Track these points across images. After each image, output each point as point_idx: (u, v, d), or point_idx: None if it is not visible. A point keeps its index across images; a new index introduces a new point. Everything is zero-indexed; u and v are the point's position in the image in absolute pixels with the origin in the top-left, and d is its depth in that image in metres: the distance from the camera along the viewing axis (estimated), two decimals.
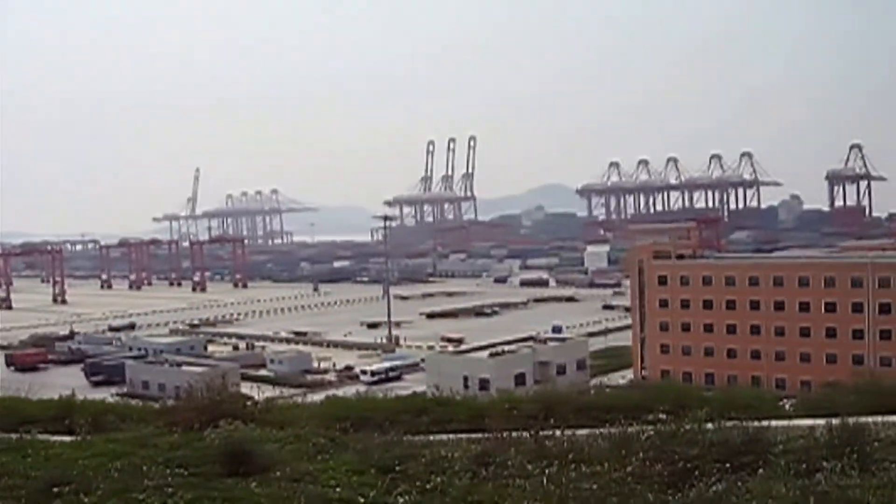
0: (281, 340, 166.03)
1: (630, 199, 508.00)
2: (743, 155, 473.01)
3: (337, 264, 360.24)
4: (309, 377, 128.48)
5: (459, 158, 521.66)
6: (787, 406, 19.66)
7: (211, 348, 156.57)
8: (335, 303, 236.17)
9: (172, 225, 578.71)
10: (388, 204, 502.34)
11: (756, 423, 13.91)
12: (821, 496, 10.56)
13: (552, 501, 11.05)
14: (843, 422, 13.73)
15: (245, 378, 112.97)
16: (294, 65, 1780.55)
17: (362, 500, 11.86)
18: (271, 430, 16.00)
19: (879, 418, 14.86)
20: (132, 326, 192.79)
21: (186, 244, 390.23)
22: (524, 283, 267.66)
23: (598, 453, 13.20)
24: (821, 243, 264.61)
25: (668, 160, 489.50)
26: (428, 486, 12.32)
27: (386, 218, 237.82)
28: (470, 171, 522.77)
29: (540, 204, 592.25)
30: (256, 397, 21.05)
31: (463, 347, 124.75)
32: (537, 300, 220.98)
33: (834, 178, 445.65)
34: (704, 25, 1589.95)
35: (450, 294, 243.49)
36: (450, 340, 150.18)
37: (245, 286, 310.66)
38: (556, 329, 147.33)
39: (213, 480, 12.95)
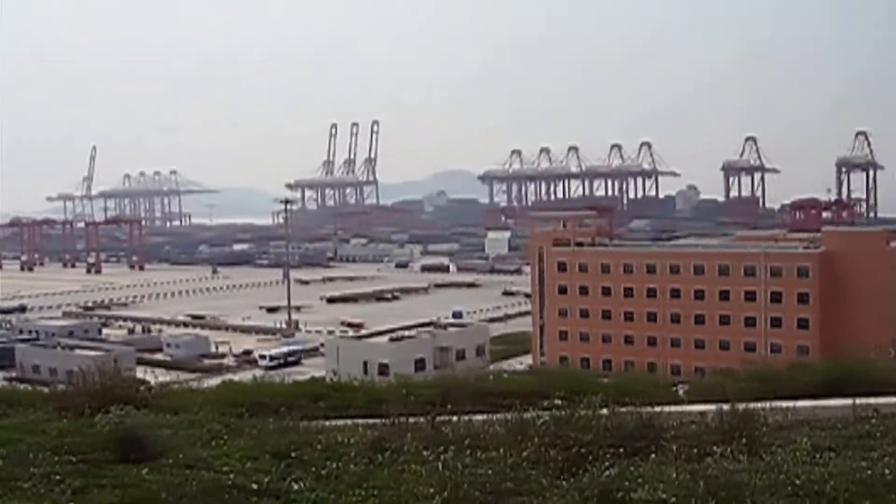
0: (178, 324, 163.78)
1: (531, 187, 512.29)
2: (642, 145, 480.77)
3: (237, 247, 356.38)
4: (206, 361, 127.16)
5: (362, 143, 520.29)
6: (680, 392, 20.02)
7: (105, 332, 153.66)
8: (234, 286, 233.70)
9: (67, 205, 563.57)
10: (290, 187, 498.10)
11: (650, 409, 14.12)
12: (710, 480, 10.77)
13: (447, 487, 11.06)
14: (734, 407, 14.03)
15: (141, 362, 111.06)
16: (193, 41, 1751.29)
17: (256, 487, 11.72)
18: (165, 415, 15.71)
19: (768, 404, 15.22)
20: (23, 309, 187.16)
21: (81, 225, 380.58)
22: (425, 269, 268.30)
23: (495, 439, 13.26)
24: (716, 232, 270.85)
25: (570, 149, 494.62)
26: (323, 472, 12.24)
27: (287, 201, 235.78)
28: (372, 155, 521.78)
29: (442, 189, 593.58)
30: (151, 382, 20.66)
31: (363, 332, 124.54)
32: (438, 285, 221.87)
33: (729, 170, 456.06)
34: (607, 22, 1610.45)
35: (351, 279, 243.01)
36: (350, 325, 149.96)
37: (142, 268, 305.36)
38: (457, 314, 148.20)
39: (104, 467, 12.66)
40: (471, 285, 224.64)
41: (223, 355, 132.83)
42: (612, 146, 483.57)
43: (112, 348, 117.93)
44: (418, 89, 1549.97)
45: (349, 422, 15.54)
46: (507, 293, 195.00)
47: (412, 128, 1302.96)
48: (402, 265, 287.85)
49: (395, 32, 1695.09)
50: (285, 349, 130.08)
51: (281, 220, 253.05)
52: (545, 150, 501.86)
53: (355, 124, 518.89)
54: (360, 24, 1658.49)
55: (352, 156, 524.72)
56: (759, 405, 14.81)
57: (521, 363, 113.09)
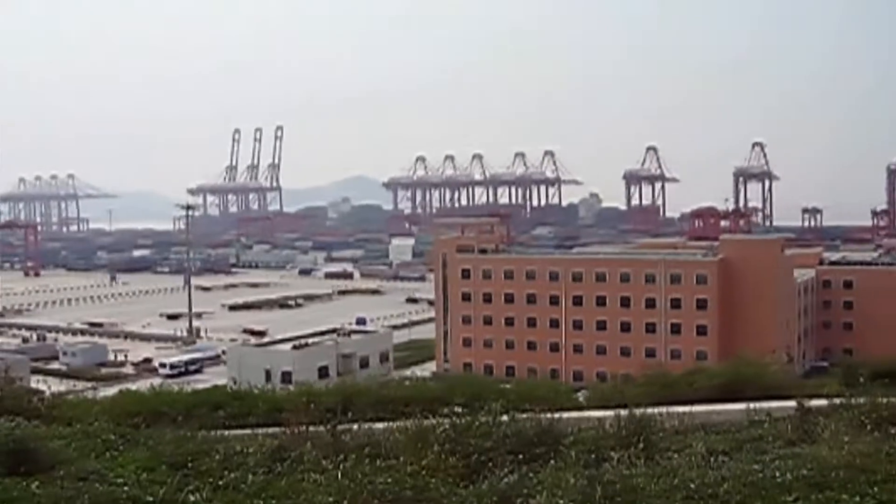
0: (75, 332, 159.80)
1: (436, 194, 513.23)
2: (546, 153, 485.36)
3: (136, 253, 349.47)
4: (104, 370, 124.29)
5: (266, 148, 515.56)
6: (580, 398, 20.25)
7: None
8: (134, 293, 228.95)
9: None
10: (192, 192, 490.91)
11: (549, 415, 14.22)
12: (607, 485, 10.89)
13: (346, 496, 10.99)
14: (631, 413, 14.22)
15: (35, 371, 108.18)
16: (98, 41, 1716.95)
17: (151, 499, 11.46)
18: (58, 426, 15.31)
19: (665, 409, 15.48)
20: None
21: None
22: (329, 275, 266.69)
23: (395, 447, 13.23)
24: (618, 240, 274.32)
25: (474, 156, 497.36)
26: (221, 483, 12.05)
27: (189, 207, 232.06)
28: (276, 161, 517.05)
29: (346, 196, 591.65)
30: (45, 392, 20.13)
31: (266, 340, 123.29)
32: (342, 292, 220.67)
33: (630, 179, 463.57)
34: (511, 24, 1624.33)
35: (253, 285, 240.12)
36: (253, 332, 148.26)
37: (37, 274, 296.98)
38: (360, 321, 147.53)
39: None
40: (375, 292, 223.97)
41: (122, 364, 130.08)
42: (516, 154, 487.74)
43: (4, 357, 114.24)
44: (324, 95, 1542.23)
45: (249, 431, 15.37)
46: (411, 300, 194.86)
47: (317, 134, 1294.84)
48: (305, 272, 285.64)
49: (303, 38, 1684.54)
50: (186, 357, 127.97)
51: (182, 226, 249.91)
52: (450, 158, 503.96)
53: (259, 129, 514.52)
54: (268, 28, 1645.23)
55: (255, 161, 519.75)
56: (656, 410, 15.05)
57: (425, 370, 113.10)
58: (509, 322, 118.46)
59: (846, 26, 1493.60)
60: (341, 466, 12.01)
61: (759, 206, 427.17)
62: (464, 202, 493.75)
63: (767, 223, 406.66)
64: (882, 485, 10.90)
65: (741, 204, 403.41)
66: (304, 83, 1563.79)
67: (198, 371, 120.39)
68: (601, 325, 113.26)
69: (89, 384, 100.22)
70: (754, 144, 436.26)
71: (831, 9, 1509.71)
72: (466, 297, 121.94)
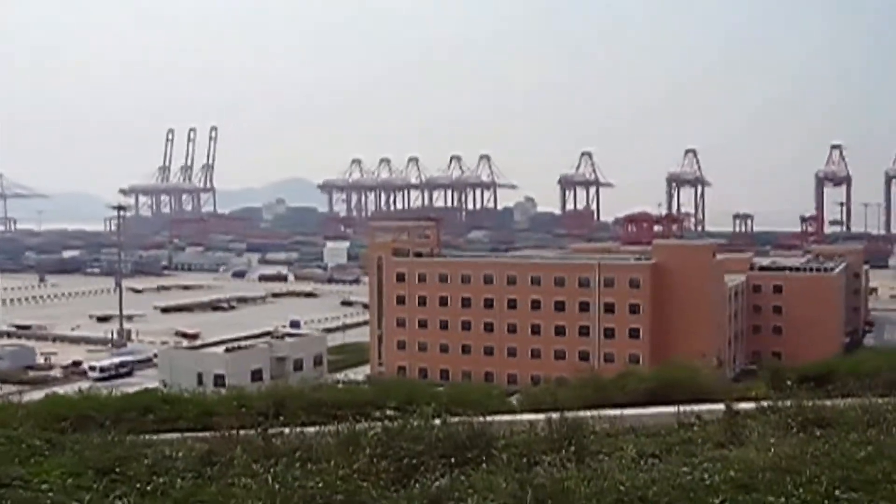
0: (1, 334, 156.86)
1: (371, 197, 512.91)
2: (482, 157, 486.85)
3: (66, 254, 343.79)
4: (32, 373, 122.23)
5: (200, 149, 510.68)
6: (513, 401, 20.32)
7: None
8: (63, 295, 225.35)
9: None
10: (124, 193, 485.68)
11: (482, 419, 14.23)
12: (538, 488, 10.93)
13: (276, 500, 10.90)
14: (563, 416, 14.29)
15: None
16: (22, 36, 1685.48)
17: None
18: None
19: (596, 412, 15.58)
20: None
21: None
22: (263, 278, 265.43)
23: (326, 451, 13.15)
24: (552, 244, 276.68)
25: (410, 160, 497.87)
26: (149, 488, 11.86)
27: (120, 207, 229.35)
28: (210, 162, 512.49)
29: (281, 198, 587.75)
30: None
31: (198, 342, 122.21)
32: (276, 295, 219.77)
33: (565, 183, 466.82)
34: (446, 30, 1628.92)
35: (186, 287, 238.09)
36: (185, 335, 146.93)
37: None
38: (294, 324, 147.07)
39: None
40: (309, 295, 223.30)
41: (50, 367, 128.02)
42: (452, 158, 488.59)
43: None
44: (258, 96, 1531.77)
45: (179, 435, 15.16)
46: (345, 303, 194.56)
47: (251, 135, 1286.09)
48: (239, 274, 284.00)
49: (237, 38, 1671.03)
50: (117, 360, 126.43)
51: (114, 227, 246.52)
52: (385, 161, 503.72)
53: (193, 130, 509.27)
54: (202, 27, 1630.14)
55: (189, 162, 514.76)
56: (588, 413, 15.14)
57: (359, 373, 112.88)
58: (444, 326, 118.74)
59: (773, 37, 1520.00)
60: (272, 471, 11.90)
61: (692, 211, 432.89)
62: (399, 205, 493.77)
63: (699, 228, 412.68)
64: (807, 486, 11.09)
65: (674, 209, 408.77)
66: (239, 83, 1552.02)
67: (128, 374, 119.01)
68: (535, 329, 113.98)
69: (15, 388, 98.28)
70: (687, 151, 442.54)
71: (758, 18, 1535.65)
72: (401, 301, 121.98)
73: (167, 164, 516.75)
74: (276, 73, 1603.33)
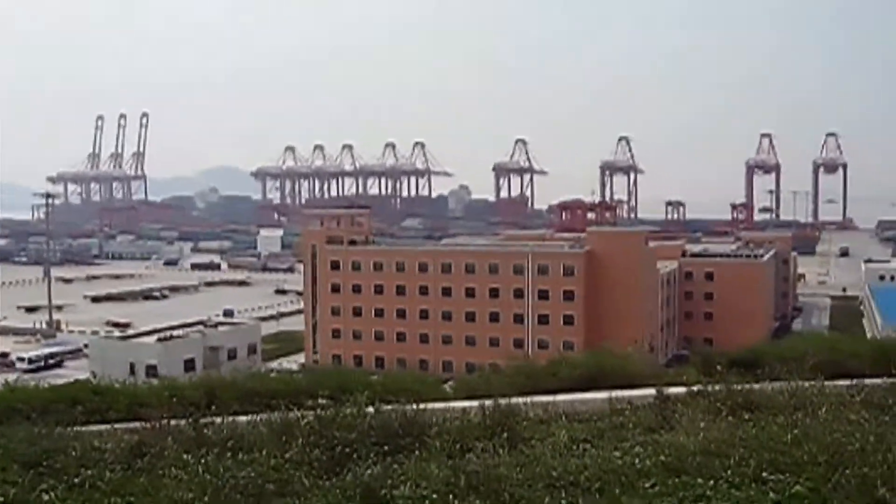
0: None
1: (305, 184, 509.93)
2: (416, 145, 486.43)
3: None
4: None
5: (130, 136, 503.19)
6: (447, 389, 20.34)
7: None
8: None
9: None
10: (52, 181, 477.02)
11: (415, 406, 14.23)
12: (470, 475, 10.98)
13: (207, 491, 10.81)
14: (496, 403, 14.34)
15: None
16: None
17: (2, 499, 11.07)
18: None
19: (529, 399, 15.65)
20: None
21: None
22: (195, 267, 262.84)
23: (259, 440, 13.07)
24: (486, 232, 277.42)
25: (344, 147, 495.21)
26: (76, 481, 11.71)
27: (48, 195, 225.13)
28: (141, 149, 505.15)
29: (213, 186, 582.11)
30: None
31: (130, 332, 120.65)
32: (209, 284, 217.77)
33: (500, 171, 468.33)
34: (387, 14, 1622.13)
35: (117, 277, 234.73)
36: (116, 325, 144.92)
37: None
38: (228, 313, 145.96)
39: None
40: (242, 283, 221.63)
41: None
42: (387, 145, 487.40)
43: None
44: (189, 82, 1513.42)
45: (108, 427, 14.94)
46: (279, 291, 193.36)
47: (183, 122, 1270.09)
48: (171, 263, 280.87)
49: (166, 23, 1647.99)
50: (45, 351, 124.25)
51: (42, 215, 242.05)
52: (319, 148, 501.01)
53: (123, 116, 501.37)
54: (130, 9, 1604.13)
55: (119, 149, 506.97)
56: (521, 400, 15.21)
57: (294, 362, 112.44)
58: (379, 313, 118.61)
59: (707, 24, 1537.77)
60: (203, 461, 11.80)
61: (625, 199, 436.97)
62: (333, 193, 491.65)
63: (632, 216, 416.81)
64: (735, 468, 11.26)
65: (607, 197, 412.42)
66: (169, 67, 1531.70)
67: (58, 365, 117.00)
68: (470, 317, 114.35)
69: None
70: (620, 139, 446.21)
71: (695, 9, 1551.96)
72: (336, 289, 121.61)
73: (97, 151, 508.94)
74: (205, 59, 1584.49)
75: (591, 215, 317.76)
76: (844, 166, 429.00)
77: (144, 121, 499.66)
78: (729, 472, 11.17)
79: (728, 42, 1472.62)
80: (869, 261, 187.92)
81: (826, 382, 15.79)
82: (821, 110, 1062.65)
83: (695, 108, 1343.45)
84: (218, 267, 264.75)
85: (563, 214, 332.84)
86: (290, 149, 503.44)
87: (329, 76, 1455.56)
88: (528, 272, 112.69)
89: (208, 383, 18.27)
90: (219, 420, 14.37)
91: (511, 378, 18.93)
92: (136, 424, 14.64)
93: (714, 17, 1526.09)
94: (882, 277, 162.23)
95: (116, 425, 14.99)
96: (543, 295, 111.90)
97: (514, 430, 13.40)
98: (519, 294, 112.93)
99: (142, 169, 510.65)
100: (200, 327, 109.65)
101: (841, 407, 14.11)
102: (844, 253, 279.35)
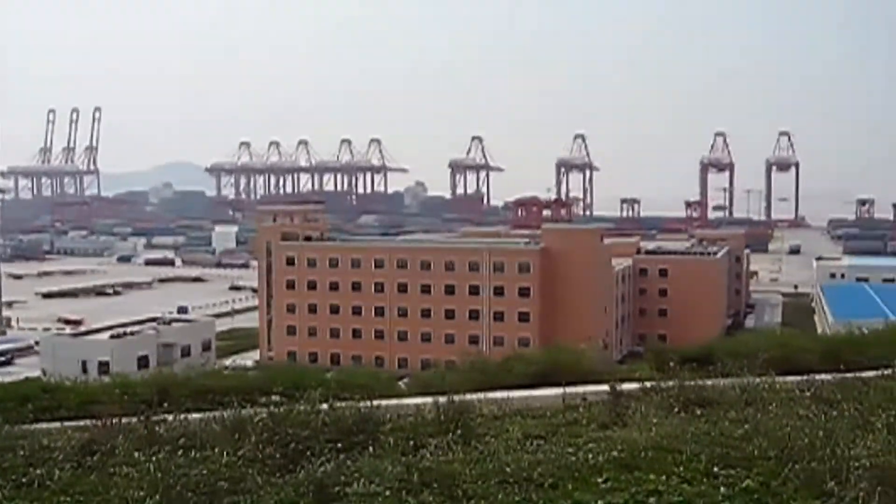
0: None
1: (260, 180, 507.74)
2: (372, 141, 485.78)
3: None
4: None
5: (83, 130, 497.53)
6: (401, 385, 20.32)
7: None
8: None
9: None
10: (2, 175, 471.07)
11: (369, 403, 14.19)
12: (424, 471, 10.97)
13: (159, 489, 10.71)
14: (450, 399, 14.34)
15: None
16: None
17: None
18: None
19: (484, 395, 15.67)
20: None
21: None
22: (149, 263, 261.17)
23: (211, 438, 12.97)
24: (442, 228, 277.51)
25: (299, 143, 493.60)
26: (25, 480, 11.55)
27: None
28: (94, 143, 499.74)
29: (168, 181, 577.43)
30: None
31: (82, 329, 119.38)
32: (163, 280, 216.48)
33: (456, 167, 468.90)
34: (338, 12, 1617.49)
35: (69, 273, 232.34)
36: (68, 322, 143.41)
37: None
38: (182, 310, 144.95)
39: None
40: (197, 280, 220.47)
41: None
42: (343, 141, 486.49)
43: None
44: (143, 77, 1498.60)
45: (59, 425, 14.76)
46: (234, 288, 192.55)
47: (137, 116, 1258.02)
48: (124, 259, 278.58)
49: (115, 18, 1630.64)
50: None
51: None
52: (275, 144, 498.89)
53: (75, 110, 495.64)
54: (79, 6, 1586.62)
55: (71, 143, 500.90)
56: (475, 396, 15.23)
57: (249, 359, 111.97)
58: (334, 310, 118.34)
59: (663, 23, 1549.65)
60: (154, 459, 11.69)
61: (581, 196, 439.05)
62: (289, 189, 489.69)
63: (588, 213, 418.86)
64: (687, 464, 11.35)
65: (563, 194, 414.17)
66: (122, 62, 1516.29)
67: (8, 363, 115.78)
68: (426, 313, 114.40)
69: None
70: (576, 136, 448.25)
71: (652, 8, 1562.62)
72: (291, 285, 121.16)
73: (48, 145, 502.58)
74: (159, 52, 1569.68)
75: (546, 212, 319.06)
76: (797, 165, 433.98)
77: (97, 115, 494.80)
78: (681, 467, 11.25)
79: (684, 42, 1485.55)
80: (820, 258, 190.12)
81: (777, 378, 15.96)
82: (774, 109, 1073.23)
83: (651, 107, 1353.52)
84: (172, 263, 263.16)
85: (519, 211, 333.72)
86: (246, 144, 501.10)
87: (284, 70, 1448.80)
88: (484, 269, 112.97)
89: (161, 380, 18.10)
90: (171, 418, 14.24)
91: (466, 374, 18.94)
92: (87, 422, 14.48)
93: (671, 17, 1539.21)
94: (833, 275, 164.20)
95: (67, 423, 14.81)
96: (499, 292, 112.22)
97: (468, 426, 13.39)
98: (475, 291, 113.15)
99: (94, 163, 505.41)
100: (154, 324, 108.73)
101: (791, 402, 14.27)
102: (795, 250, 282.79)
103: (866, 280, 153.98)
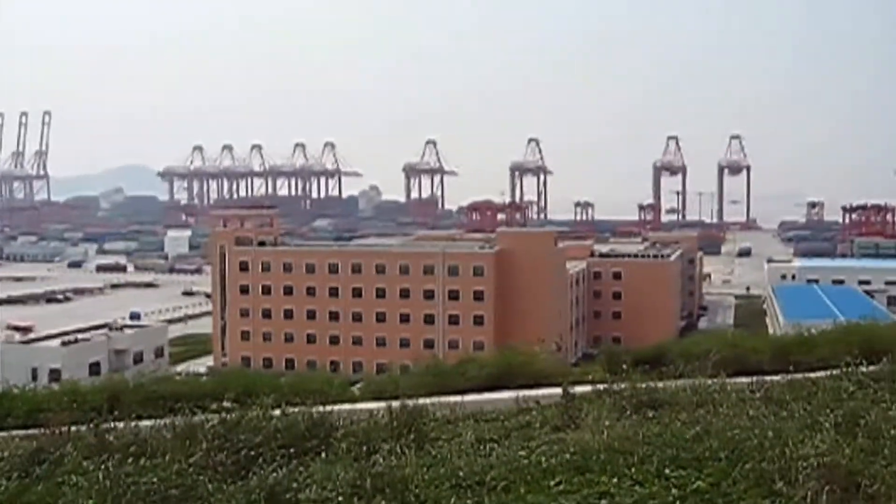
0: None
1: (213, 185, 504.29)
2: (326, 145, 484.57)
3: None
4: None
5: (32, 134, 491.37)
6: (355, 390, 20.24)
7: None
8: None
9: None
10: None
11: (322, 408, 14.13)
12: (376, 476, 10.93)
13: (108, 498, 10.59)
14: (403, 404, 14.31)
15: None
16: None
17: None
18: None
19: (437, 399, 15.65)
20: None
21: None
22: (101, 268, 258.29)
23: (162, 445, 12.84)
24: (397, 232, 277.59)
25: (253, 147, 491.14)
26: None
27: None
28: (43, 147, 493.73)
29: (119, 186, 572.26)
30: None
31: (32, 336, 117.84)
32: (115, 286, 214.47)
33: (410, 171, 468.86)
34: (288, 13, 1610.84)
35: (18, 279, 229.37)
36: (17, 328, 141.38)
37: None
38: (134, 315, 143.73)
39: None
40: (149, 285, 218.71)
41: None
42: (296, 145, 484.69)
43: None
44: (93, 79, 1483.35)
45: (6, 434, 14.57)
46: (187, 293, 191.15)
47: (87, 120, 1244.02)
48: (75, 264, 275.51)
49: (66, 18, 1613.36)
50: None
51: None
52: (228, 148, 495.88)
53: (24, 114, 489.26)
54: (30, 7, 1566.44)
55: (20, 148, 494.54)
56: (428, 400, 15.19)
57: (202, 365, 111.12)
58: (288, 315, 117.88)
59: (615, 25, 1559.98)
60: (104, 467, 11.54)
61: (535, 199, 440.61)
62: (242, 193, 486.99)
63: (542, 216, 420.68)
64: (639, 465, 11.39)
65: (517, 197, 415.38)
66: (72, 65, 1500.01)
67: None
68: (380, 317, 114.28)
69: None
70: (530, 140, 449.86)
71: (602, 9, 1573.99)
72: (245, 290, 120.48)
73: None
74: (107, 53, 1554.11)
75: (501, 216, 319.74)
76: (748, 168, 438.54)
77: (47, 119, 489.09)
78: (633, 469, 11.29)
79: (637, 45, 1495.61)
80: (771, 260, 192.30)
81: (728, 379, 16.05)
82: (725, 113, 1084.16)
83: (604, 111, 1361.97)
84: (124, 269, 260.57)
85: (474, 215, 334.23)
86: (198, 148, 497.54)
87: (238, 73, 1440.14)
88: (439, 273, 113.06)
89: (111, 387, 17.89)
90: (121, 425, 14.08)
91: (419, 378, 18.89)
92: (36, 431, 14.29)
93: (622, 18, 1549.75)
94: (784, 276, 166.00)
95: (14, 432, 14.62)
96: (454, 295, 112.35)
97: (421, 430, 13.36)
98: (429, 295, 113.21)
99: (44, 168, 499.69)
100: (106, 330, 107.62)
101: (742, 403, 14.35)
102: (744, 252, 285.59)
103: (816, 281, 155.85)
